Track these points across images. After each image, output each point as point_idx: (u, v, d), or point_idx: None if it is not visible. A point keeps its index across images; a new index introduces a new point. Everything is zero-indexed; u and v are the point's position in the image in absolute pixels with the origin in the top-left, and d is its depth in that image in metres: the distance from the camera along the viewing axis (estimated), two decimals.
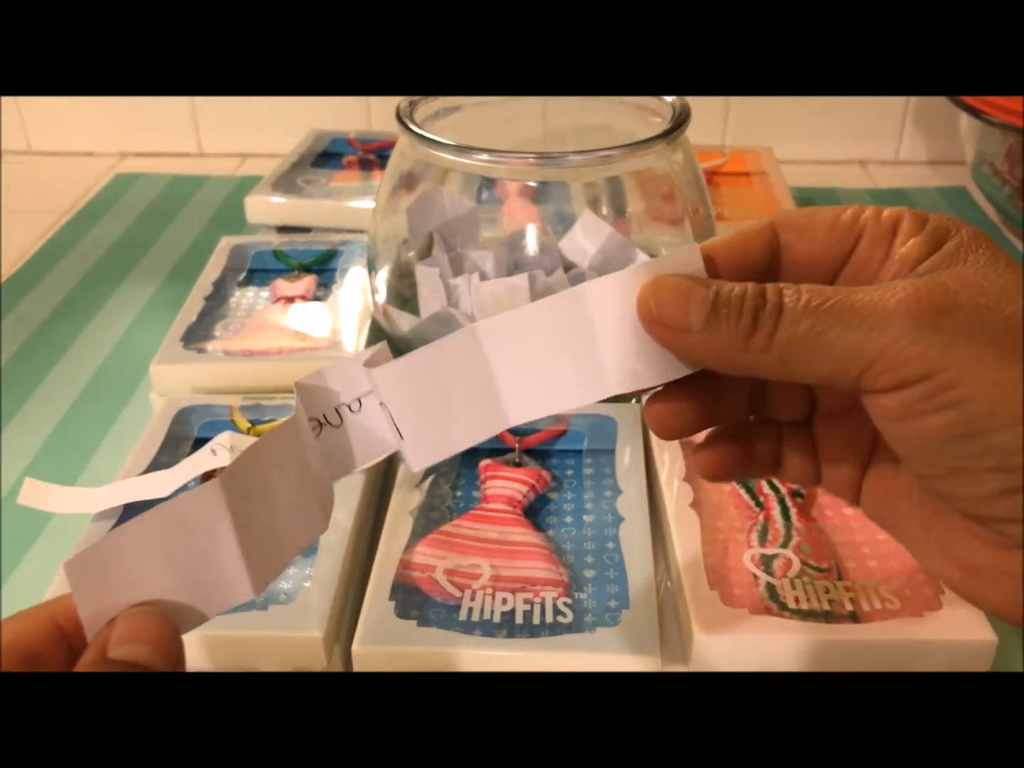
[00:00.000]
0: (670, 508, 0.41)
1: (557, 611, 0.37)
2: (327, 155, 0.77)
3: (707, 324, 0.23)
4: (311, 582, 0.37)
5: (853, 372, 0.22)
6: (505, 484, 0.42)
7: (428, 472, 0.44)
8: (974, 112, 0.68)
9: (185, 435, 0.47)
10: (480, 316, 0.48)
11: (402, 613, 0.36)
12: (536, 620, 0.37)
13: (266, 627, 0.36)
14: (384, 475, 0.46)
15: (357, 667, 0.36)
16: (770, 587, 0.37)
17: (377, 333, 0.54)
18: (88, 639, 0.22)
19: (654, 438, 0.45)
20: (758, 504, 0.41)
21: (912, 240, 0.24)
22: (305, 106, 0.84)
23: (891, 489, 0.27)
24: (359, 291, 0.58)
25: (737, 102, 0.86)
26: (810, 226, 0.25)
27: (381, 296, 0.52)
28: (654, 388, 0.26)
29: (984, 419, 0.21)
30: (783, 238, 0.25)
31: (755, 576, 0.38)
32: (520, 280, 0.48)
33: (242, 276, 0.61)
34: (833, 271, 0.25)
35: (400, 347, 0.52)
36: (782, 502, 0.41)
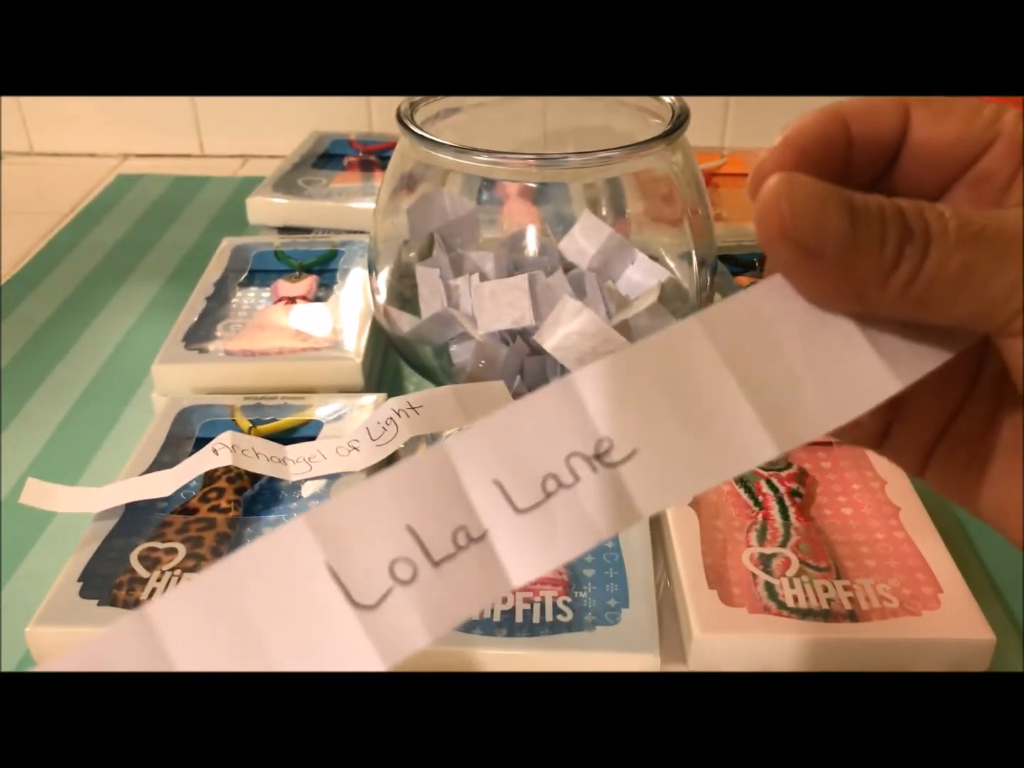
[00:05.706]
0: (669, 507, 0.41)
1: (557, 610, 0.37)
2: (328, 156, 0.78)
3: (847, 247, 0.19)
4: None
5: (1003, 315, 0.19)
6: None
7: None
8: None
9: (187, 435, 0.47)
10: (480, 316, 0.48)
11: None
12: (536, 619, 0.37)
13: None
14: None
15: None
16: (769, 586, 0.37)
17: (378, 333, 0.54)
18: None
19: None
20: (757, 503, 0.41)
21: None
22: (306, 107, 0.84)
23: (976, 455, 0.23)
24: (360, 292, 0.58)
25: (736, 103, 0.86)
26: (947, 113, 0.21)
27: (382, 297, 0.53)
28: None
29: None
30: (915, 119, 0.22)
31: (754, 575, 0.38)
32: (520, 281, 0.48)
33: (243, 277, 0.61)
34: (955, 173, 0.22)
35: (400, 347, 0.52)
36: (780, 501, 0.41)
